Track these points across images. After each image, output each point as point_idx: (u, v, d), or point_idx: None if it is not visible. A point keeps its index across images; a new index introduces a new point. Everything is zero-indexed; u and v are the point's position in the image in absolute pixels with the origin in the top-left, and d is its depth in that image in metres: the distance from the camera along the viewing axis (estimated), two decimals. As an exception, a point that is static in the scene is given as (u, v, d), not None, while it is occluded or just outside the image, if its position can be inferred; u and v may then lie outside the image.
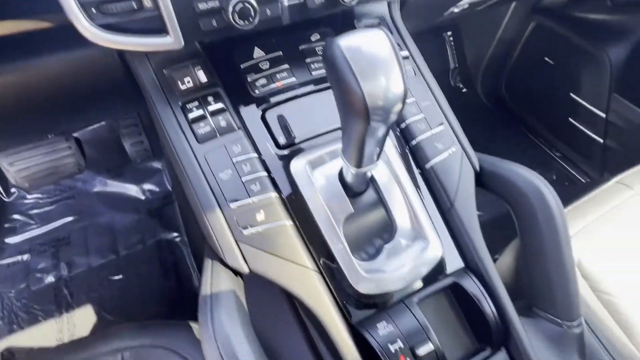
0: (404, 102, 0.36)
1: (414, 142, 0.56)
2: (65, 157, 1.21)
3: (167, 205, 1.35)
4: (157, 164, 1.41)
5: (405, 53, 0.61)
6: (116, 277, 1.22)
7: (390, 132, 0.56)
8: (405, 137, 0.57)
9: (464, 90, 1.76)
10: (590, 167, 1.42)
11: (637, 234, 0.74)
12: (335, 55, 0.34)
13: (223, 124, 0.52)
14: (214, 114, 0.52)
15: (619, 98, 1.24)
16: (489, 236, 0.62)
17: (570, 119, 1.39)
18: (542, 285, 0.53)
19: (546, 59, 1.38)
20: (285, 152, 0.53)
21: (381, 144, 0.41)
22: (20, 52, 0.51)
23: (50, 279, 1.22)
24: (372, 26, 0.61)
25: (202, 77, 0.53)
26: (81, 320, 1.13)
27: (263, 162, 0.52)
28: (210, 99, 0.52)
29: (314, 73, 0.57)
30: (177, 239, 1.29)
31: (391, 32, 0.62)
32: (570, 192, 0.85)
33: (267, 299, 0.53)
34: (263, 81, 0.55)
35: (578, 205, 0.82)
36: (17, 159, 1.22)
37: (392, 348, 0.44)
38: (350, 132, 0.39)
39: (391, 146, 0.54)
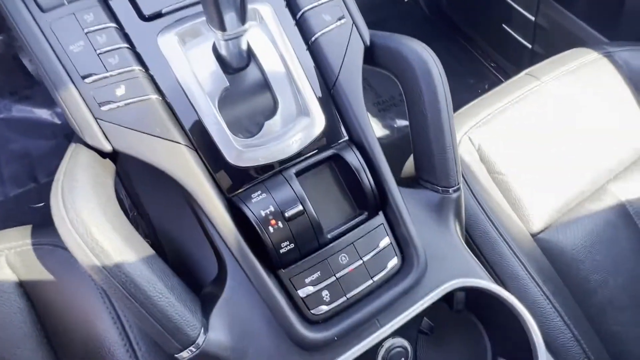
0: None
1: (299, 14, 0.52)
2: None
3: (87, 128, 1.26)
4: (70, 85, 1.28)
5: None
6: (38, 205, 1.16)
7: (274, 8, 0.51)
8: (292, 9, 0.53)
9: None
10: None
11: (534, 120, 0.78)
12: None
13: None
14: None
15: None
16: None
17: (504, 25, 1.38)
18: (425, 157, 0.55)
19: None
20: (152, 23, 0.47)
21: None
22: None
23: (-37, 210, 1.14)
24: None
25: None
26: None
27: (125, 35, 0.46)
28: None
29: None
30: (101, 163, 1.23)
31: None
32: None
33: (156, 180, 0.51)
34: None
35: (487, 96, 0.84)
36: None
37: (263, 213, 0.45)
38: None
39: (275, 21, 0.50)
